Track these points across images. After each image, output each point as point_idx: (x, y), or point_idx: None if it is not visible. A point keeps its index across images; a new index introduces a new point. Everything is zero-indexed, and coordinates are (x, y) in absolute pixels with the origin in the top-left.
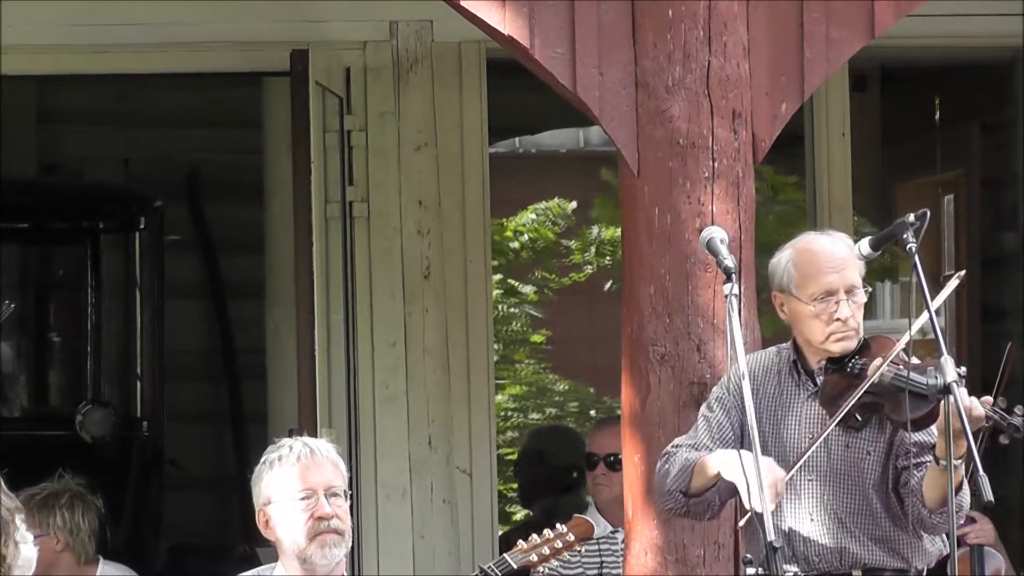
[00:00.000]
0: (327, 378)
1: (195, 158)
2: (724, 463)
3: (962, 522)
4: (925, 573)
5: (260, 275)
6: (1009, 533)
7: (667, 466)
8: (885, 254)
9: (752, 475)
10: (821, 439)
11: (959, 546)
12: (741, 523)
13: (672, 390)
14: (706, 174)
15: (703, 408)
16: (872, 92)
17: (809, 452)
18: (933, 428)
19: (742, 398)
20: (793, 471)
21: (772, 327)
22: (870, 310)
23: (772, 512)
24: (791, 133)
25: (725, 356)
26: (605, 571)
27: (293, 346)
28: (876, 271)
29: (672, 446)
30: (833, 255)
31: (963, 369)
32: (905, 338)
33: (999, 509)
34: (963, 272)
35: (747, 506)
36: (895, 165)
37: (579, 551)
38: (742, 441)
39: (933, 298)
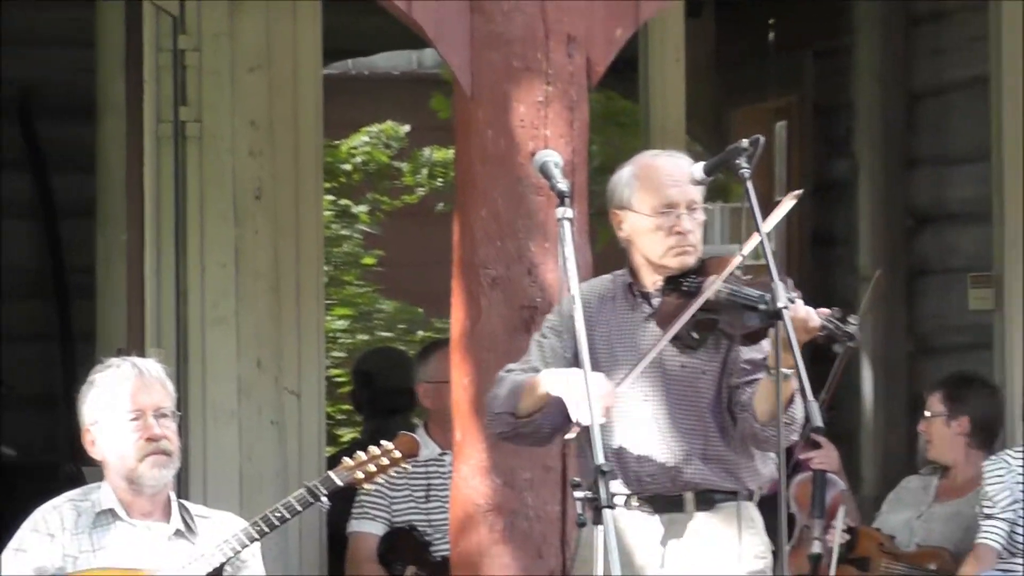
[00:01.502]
0: (156, 298)
1: (27, 77)
2: (551, 380)
3: (795, 437)
4: (758, 494)
5: (91, 194)
6: (845, 459)
7: (497, 389)
8: (719, 179)
9: (580, 390)
10: (655, 352)
11: (802, 471)
12: (570, 436)
13: (503, 313)
14: (540, 98)
15: (536, 334)
16: (707, 17)
17: (642, 365)
18: (765, 344)
19: (574, 326)
20: (624, 383)
21: (604, 240)
22: (703, 235)
23: (604, 432)
24: (627, 57)
25: (557, 280)
26: (432, 493)
27: (123, 266)
28: (709, 196)
29: (504, 371)
30: (675, 170)
31: (795, 292)
32: (738, 256)
33: (843, 437)
34: (799, 192)
35: (574, 420)
36: (729, 91)
37: (405, 468)
38: (576, 365)
39: (765, 222)
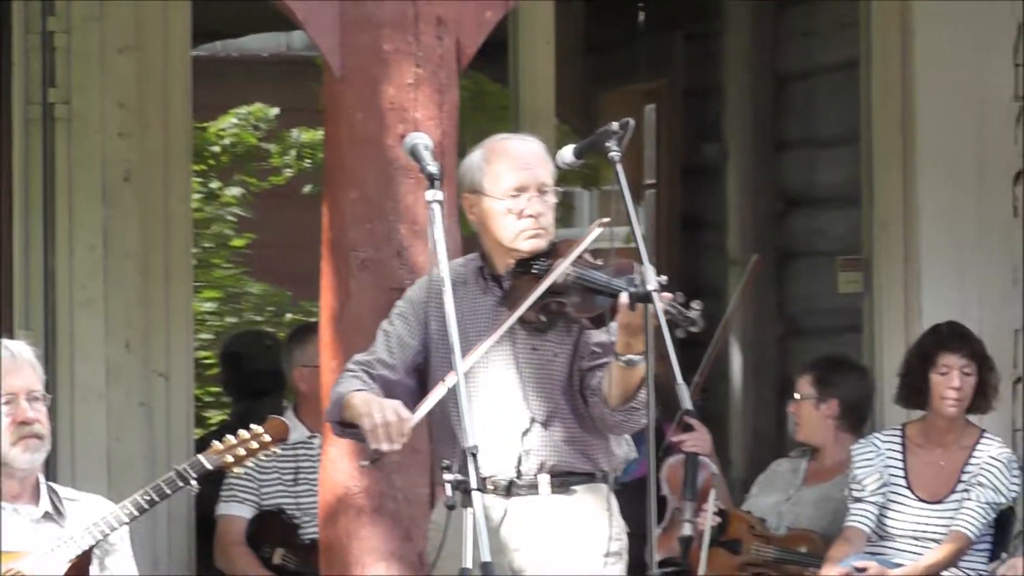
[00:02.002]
0: (24, 280)
1: None
2: (353, 407)
3: (644, 422)
4: (613, 476)
5: None
6: (714, 442)
7: (335, 388)
8: (563, 166)
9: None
10: (499, 334)
11: (674, 454)
12: (364, 463)
13: (372, 296)
14: (410, 80)
15: (384, 322)
16: (576, 1)
17: (485, 347)
18: (613, 326)
19: (425, 310)
20: (468, 362)
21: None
22: (572, 219)
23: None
24: (497, 40)
25: (426, 262)
26: (301, 476)
27: None
28: (578, 180)
29: (351, 363)
30: (525, 153)
31: (664, 278)
32: (589, 238)
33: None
34: (607, 220)
35: (372, 448)
36: (599, 74)
37: (274, 452)
38: (427, 352)
39: (634, 207)
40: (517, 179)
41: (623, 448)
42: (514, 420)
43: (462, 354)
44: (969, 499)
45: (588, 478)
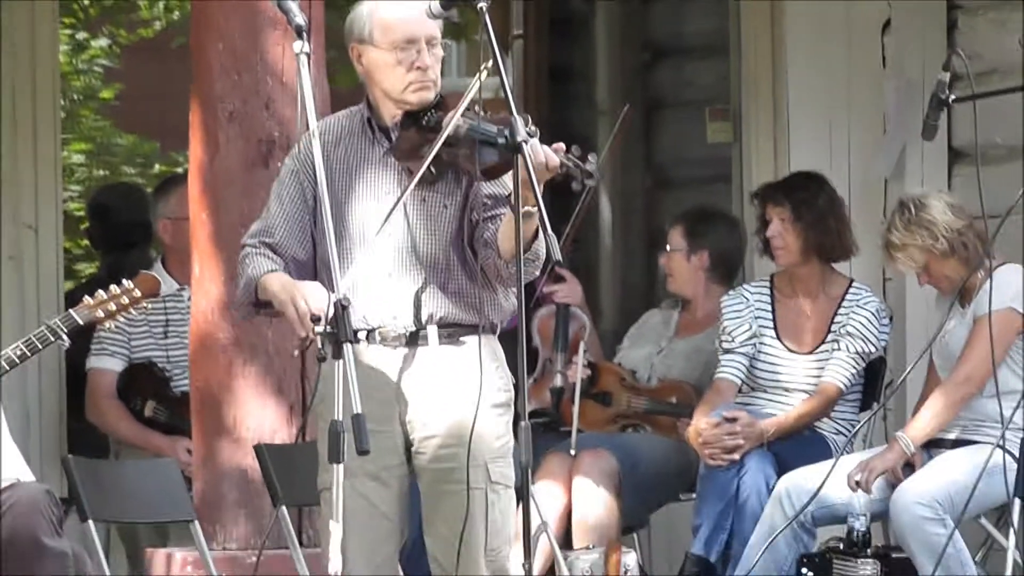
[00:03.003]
0: None
1: None
2: (275, 294)
3: (538, 273)
4: (500, 328)
5: None
6: (590, 295)
7: (240, 271)
8: (454, 18)
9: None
10: (404, 196)
11: (545, 304)
12: (347, 301)
13: (240, 148)
14: None
15: (275, 183)
16: None
17: (392, 211)
18: (507, 179)
19: (314, 163)
20: (382, 228)
21: (350, 80)
22: (441, 70)
23: (345, 265)
24: None
25: (294, 114)
26: (171, 328)
27: None
28: (447, 31)
29: (248, 236)
30: (414, 5)
31: (533, 128)
32: (474, 88)
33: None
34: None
35: (298, 335)
36: None
37: (146, 307)
38: (316, 207)
39: (502, 58)
40: (407, 31)
41: (511, 301)
42: (404, 272)
43: (350, 204)
44: (839, 349)
45: (475, 330)
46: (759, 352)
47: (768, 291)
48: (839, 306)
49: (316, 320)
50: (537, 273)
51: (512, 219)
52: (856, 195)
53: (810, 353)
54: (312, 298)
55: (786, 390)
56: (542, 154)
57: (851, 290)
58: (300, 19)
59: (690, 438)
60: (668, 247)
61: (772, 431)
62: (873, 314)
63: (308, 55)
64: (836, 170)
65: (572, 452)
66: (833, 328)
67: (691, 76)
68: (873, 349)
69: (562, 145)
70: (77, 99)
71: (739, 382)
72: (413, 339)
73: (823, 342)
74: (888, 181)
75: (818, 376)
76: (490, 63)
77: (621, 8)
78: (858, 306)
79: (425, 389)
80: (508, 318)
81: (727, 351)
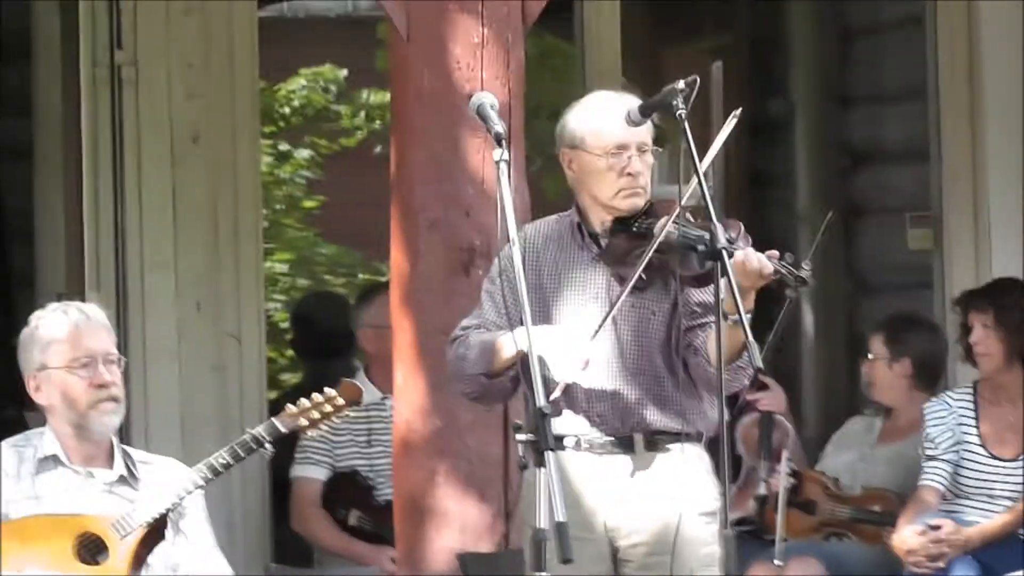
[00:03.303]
0: (95, 242)
1: None
2: (533, 339)
3: (747, 382)
4: (706, 436)
5: (28, 137)
6: (792, 402)
7: (462, 350)
8: (654, 121)
9: (558, 347)
10: (620, 301)
11: (750, 412)
12: (556, 394)
13: (441, 256)
14: (476, 39)
15: (485, 283)
16: None
17: (610, 315)
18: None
19: (522, 266)
20: (597, 332)
21: (555, 189)
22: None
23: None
24: None
25: (495, 222)
26: (374, 438)
27: (61, 209)
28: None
29: (460, 329)
30: (625, 111)
31: (739, 227)
32: (685, 197)
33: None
34: (738, 111)
35: (555, 378)
36: (664, 32)
37: (348, 415)
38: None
39: (710, 151)
40: (618, 138)
41: (716, 409)
42: (610, 378)
43: (560, 310)
44: None
45: (683, 437)
46: (963, 459)
47: (971, 398)
48: None
49: (518, 428)
50: (747, 382)
51: (725, 325)
52: None
53: (1014, 460)
54: (570, 340)
55: (990, 497)
56: (755, 260)
57: None
58: (499, 127)
59: (895, 547)
60: (870, 354)
61: (977, 539)
62: None
63: (508, 163)
64: None
65: (777, 562)
66: None
67: (891, 181)
68: None
69: (775, 252)
70: (280, 209)
71: (943, 489)
72: (619, 446)
73: None
74: None
75: (1021, 483)
76: (696, 180)
77: (821, 113)
78: None
79: (631, 496)
80: (714, 426)
81: (930, 458)
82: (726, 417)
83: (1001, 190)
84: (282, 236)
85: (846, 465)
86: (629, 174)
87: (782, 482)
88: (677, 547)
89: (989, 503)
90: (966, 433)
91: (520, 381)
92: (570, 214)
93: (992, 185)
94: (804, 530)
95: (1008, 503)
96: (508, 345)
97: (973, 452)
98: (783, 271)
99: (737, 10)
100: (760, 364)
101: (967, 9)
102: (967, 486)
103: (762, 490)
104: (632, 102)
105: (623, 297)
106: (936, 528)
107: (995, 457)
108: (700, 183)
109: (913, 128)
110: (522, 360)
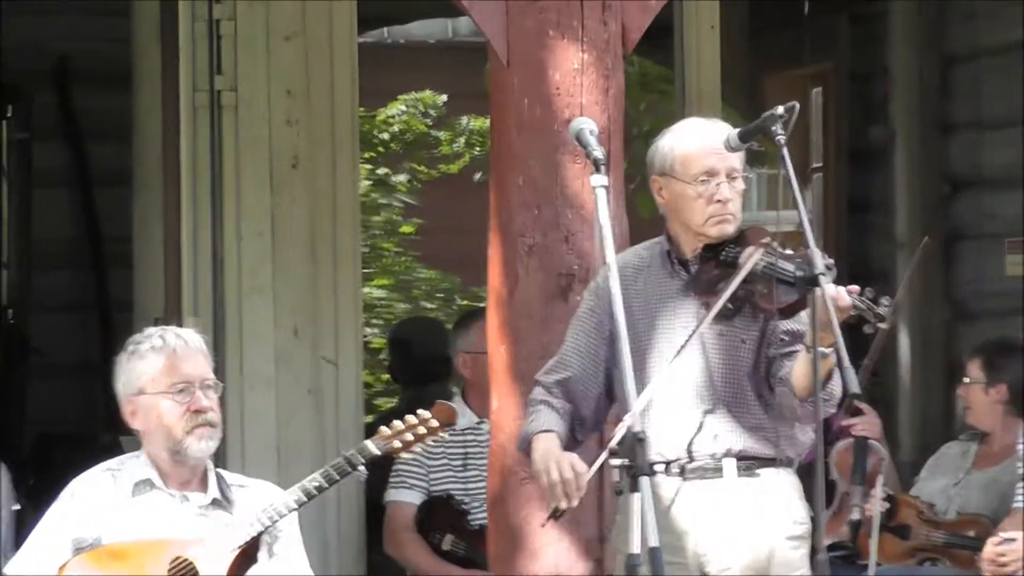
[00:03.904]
0: (193, 267)
1: (63, 47)
2: (533, 460)
3: (833, 411)
4: (796, 462)
5: (127, 164)
6: (888, 427)
7: (528, 411)
8: (755, 146)
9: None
10: (700, 329)
11: (844, 437)
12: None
13: (540, 281)
14: (576, 65)
15: (574, 318)
16: None
17: (683, 347)
18: (803, 316)
19: (611, 298)
20: (674, 359)
21: (648, 210)
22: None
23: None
24: (662, 24)
25: (593, 247)
26: (470, 462)
27: (160, 235)
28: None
29: (543, 372)
30: (716, 138)
31: (830, 260)
32: (780, 224)
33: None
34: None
35: (549, 504)
36: (764, 58)
37: (442, 437)
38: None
39: (800, 190)
40: (707, 164)
41: (807, 434)
42: (701, 405)
43: (651, 338)
44: None
45: (772, 463)
46: None
47: None
48: None
49: (612, 454)
50: (832, 411)
51: (807, 357)
52: None
53: None
54: (565, 466)
55: None
56: (834, 292)
57: None
58: (598, 152)
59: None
60: (966, 379)
61: None
62: None
63: (606, 188)
64: None
65: None
66: None
67: (990, 208)
68: None
69: (856, 288)
70: (378, 234)
71: None
72: (710, 472)
73: None
74: None
75: None
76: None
77: (920, 139)
78: None
79: (721, 522)
80: (804, 452)
81: None
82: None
83: None
84: (380, 261)
85: (941, 490)
86: (719, 201)
87: (876, 506)
88: (768, 573)
89: None
90: None
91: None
92: (660, 241)
93: None
94: (898, 555)
95: None
96: (535, 446)
97: None
98: (862, 307)
99: (837, 36)
100: (857, 390)
101: None
102: None
103: (856, 515)
104: (722, 128)
105: (703, 327)
106: (1011, 540)
107: None
108: (798, 209)
109: (1013, 154)
110: (619, 386)
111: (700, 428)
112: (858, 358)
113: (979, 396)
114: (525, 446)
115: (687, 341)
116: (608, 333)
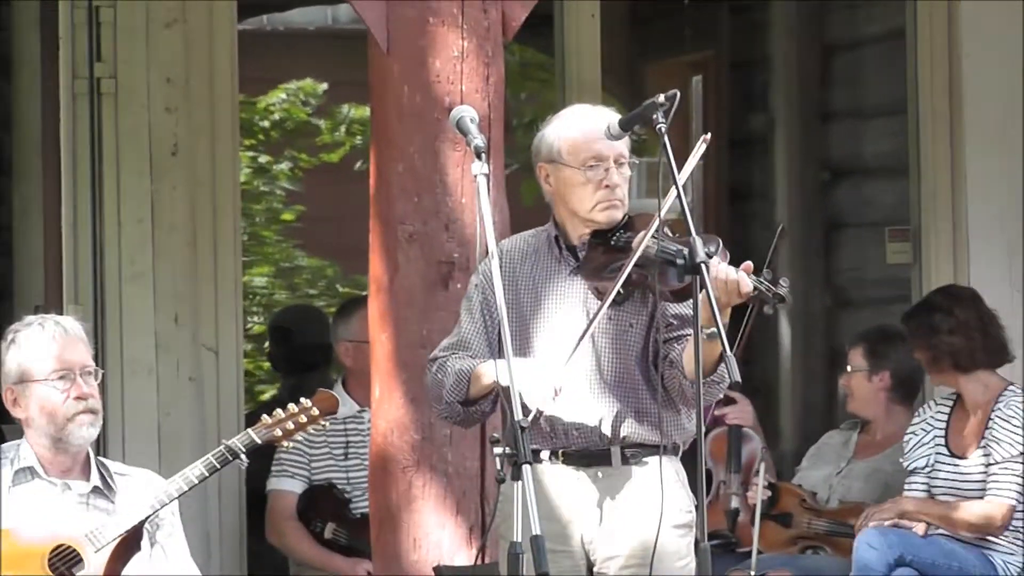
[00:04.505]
0: (73, 255)
1: None
2: (502, 372)
3: (721, 396)
4: (681, 450)
5: (7, 151)
6: (763, 414)
7: (440, 376)
8: (636, 135)
9: (529, 379)
10: (597, 319)
11: (718, 426)
12: (525, 424)
13: (421, 269)
14: (456, 53)
15: (464, 301)
16: None
17: (586, 333)
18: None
19: (500, 280)
20: (573, 352)
21: (532, 198)
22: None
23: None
24: (542, 13)
25: (474, 235)
26: (351, 450)
27: (40, 222)
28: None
29: (440, 350)
30: (603, 124)
31: (718, 242)
32: (664, 210)
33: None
34: (707, 136)
35: (530, 408)
36: (645, 46)
37: (324, 426)
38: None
39: (681, 170)
40: (596, 150)
41: (693, 422)
42: (588, 390)
43: (540, 323)
44: (994, 463)
45: (659, 450)
46: (935, 468)
47: (950, 405)
48: (992, 410)
49: (495, 442)
50: (721, 395)
51: (701, 339)
52: None
53: (964, 458)
54: (543, 373)
55: (955, 498)
56: (734, 277)
57: (1002, 394)
58: (479, 140)
59: None
60: (849, 368)
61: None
62: (1007, 417)
63: (487, 176)
64: (1015, 290)
65: (751, 573)
66: (986, 433)
67: (870, 196)
68: (1015, 451)
69: (750, 264)
70: (259, 222)
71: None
72: (596, 459)
73: (978, 446)
74: None
75: (977, 481)
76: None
77: (800, 128)
78: (999, 409)
79: (607, 509)
80: (690, 439)
81: (911, 472)
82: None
83: (979, 204)
84: (261, 249)
85: (823, 479)
86: (607, 186)
87: (759, 493)
88: (653, 560)
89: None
90: (937, 439)
91: (497, 404)
92: (547, 228)
93: (970, 199)
94: (780, 543)
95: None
96: (484, 374)
97: (941, 455)
98: (761, 288)
99: (718, 25)
100: (738, 378)
101: (948, 24)
102: (937, 491)
103: (733, 503)
104: (608, 115)
105: (602, 312)
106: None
107: (955, 456)
108: (679, 197)
109: (893, 143)
110: (499, 369)
111: (588, 414)
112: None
113: (862, 384)
114: (461, 387)
115: (583, 335)
116: (495, 313)
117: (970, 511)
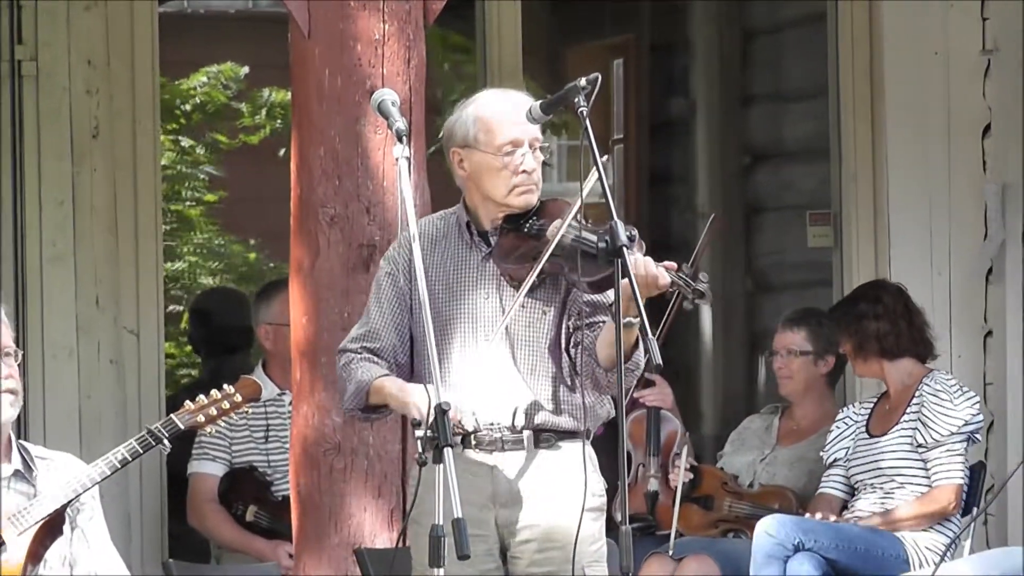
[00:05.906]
0: None
1: None
2: (388, 395)
3: (635, 383)
4: (593, 434)
5: None
6: (684, 397)
7: (344, 375)
8: (555, 118)
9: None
10: (513, 308)
11: (636, 408)
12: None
13: (341, 252)
14: (377, 36)
15: (373, 286)
16: None
17: (503, 324)
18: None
19: (410, 266)
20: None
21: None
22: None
23: (445, 370)
24: None
25: (395, 218)
26: (272, 433)
27: None
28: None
29: (349, 341)
30: (518, 109)
31: (634, 231)
32: (586, 192)
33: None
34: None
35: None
36: (565, 29)
37: (246, 411)
38: (415, 311)
39: (602, 163)
40: (511, 135)
41: (605, 407)
42: (499, 377)
43: (452, 309)
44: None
45: (571, 436)
46: (854, 453)
47: (872, 404)
48: (915, 390)
49: (416, 425)
50: (635, 382)
51: (612, 327)
52: (957, 299)
53: (883, 435)
54: (423, 401)
55: (873, 476)
56: (654, 270)
57: (925, 377)
58: (400, 123)
59: None
60: (787, 350)
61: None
62: (935, 391)
63: (408, 159)
64: (937, 273)
65: (670, 552)
66: (909, 412)
67: (791, 180)
68: (960, 421)
69: (673, 264)
70: (181, 204)
71: (841, 496)
72: (510, 444)
73: (897, 423)
74: (989, 284)
75: (892, 456)
76: (594, 178)
77: (721, 112)
78: (924, 387)
79: (521, 494)
80: (601, 424)
81: (831, 464)
82: (612, 414)
83: (900, 188)
84: (183, 232)
85: (746, 465)
86: (524, 171)
87: (681, 475)
88: (567, 544)
89: (874, 491)
90: (858, 425)
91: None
92: (456, 212)
93: (891, 183)
94: (701, 525)
95: (896, 486)
96: (384, 388)
97: (861, 438)
98: (680, 283)
99: (638, 9)
100: (660, 362)
101: (869, 8)
102: (856, 475)
103: (652, 486)
104: (521, 99)
105: (519, 300)
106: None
107: (872, 436)
108: (601, 181)
109: (813, 127)
110: (424, 356)
111: (500, 400)
112: (652, 331)
113: (806, 368)
114: (360, 398)
115: (503, 323)
116: (409, 300)
117: (919, 508)
